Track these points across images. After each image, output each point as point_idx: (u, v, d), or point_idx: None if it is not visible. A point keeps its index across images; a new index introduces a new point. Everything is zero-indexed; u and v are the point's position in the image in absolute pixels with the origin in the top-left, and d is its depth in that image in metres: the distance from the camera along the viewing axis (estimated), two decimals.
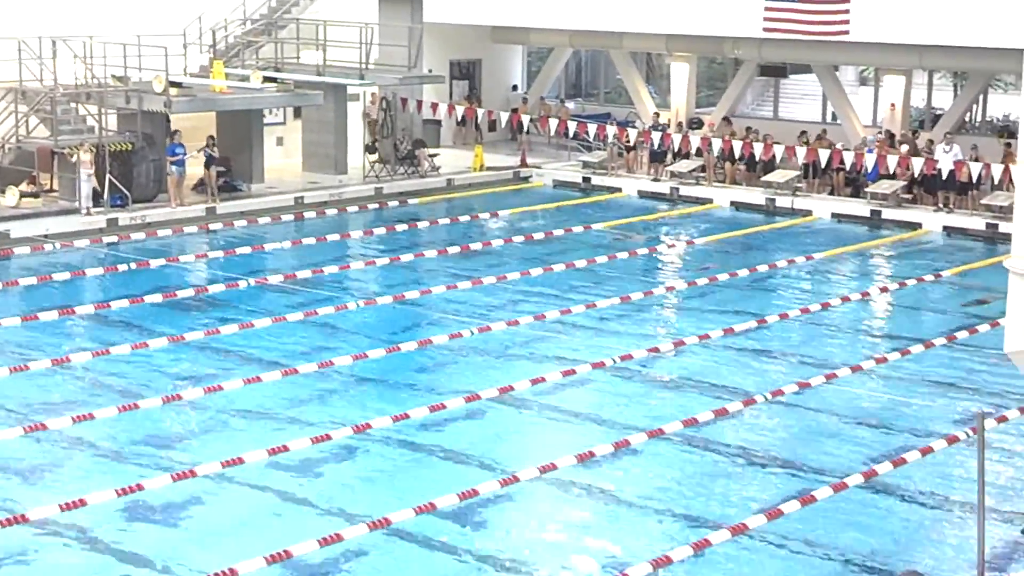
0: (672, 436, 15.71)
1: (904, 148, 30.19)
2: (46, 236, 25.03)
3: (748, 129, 32.72)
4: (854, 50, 31.75)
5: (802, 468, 15.07)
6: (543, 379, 17.50)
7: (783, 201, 30.65)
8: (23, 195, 26.83)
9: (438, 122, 36.07)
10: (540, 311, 20.93)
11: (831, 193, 31.26)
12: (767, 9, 30.44)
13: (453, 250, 25.43)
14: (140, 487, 13.48)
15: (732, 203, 31.24)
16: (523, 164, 34.35)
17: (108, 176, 26.66)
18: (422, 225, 28.10)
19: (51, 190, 27.85)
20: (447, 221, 28.43)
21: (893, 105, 33.45)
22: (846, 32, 29.88)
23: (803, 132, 32.07)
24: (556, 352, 19.14)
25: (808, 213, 30.17)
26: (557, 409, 16.88)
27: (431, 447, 15.41)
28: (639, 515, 13.81)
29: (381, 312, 21.03)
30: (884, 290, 23.70)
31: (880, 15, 29.36)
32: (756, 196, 31.14)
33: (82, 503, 13.03)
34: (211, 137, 28.49)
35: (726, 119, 34.55)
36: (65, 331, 19.72)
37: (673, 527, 13.46)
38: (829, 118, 36.64)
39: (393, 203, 30.47)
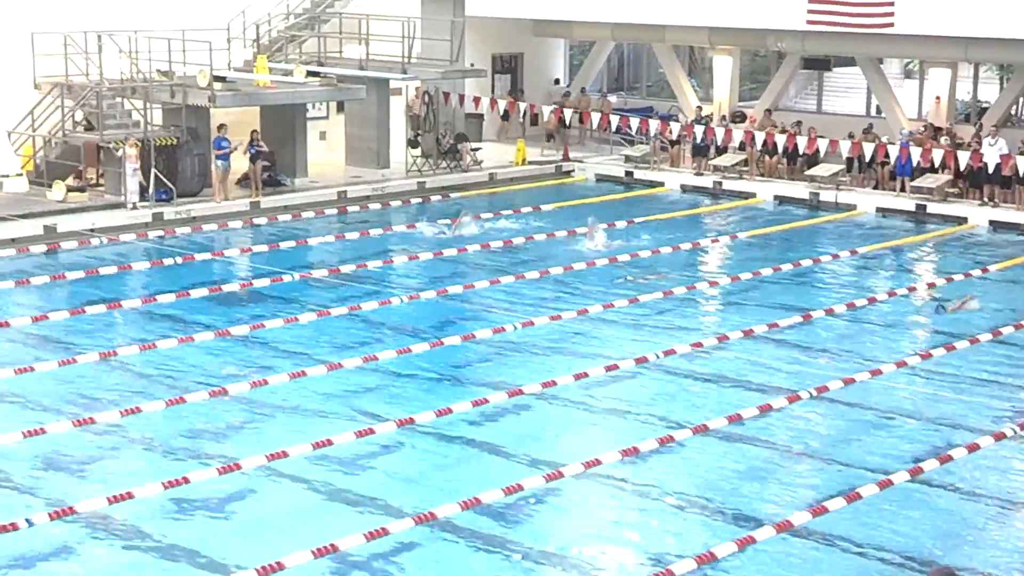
0: (716, 432, 15.68)
1: (944, 140, 29.94)
2: (92, 230, 25.23)
3: (797, 124, 32.45)
4: (899, 43, 31.53)
5: (847, 464, 15.00)
6: (586, 374, 17.51)
7: (827, 195, 30.50)
8: (69, 189, 27.03)
9: (480, 116, 36.10)
10: (583, 306, 20.93)
11: (875, 187, 31.07)
12: (811, 1, 30.30)
13: (496, 245, 25.46)
14: (187, 480, 13.60)
15: (775, 197, 31.10)
16: (565, 158, 34.33)
17: (153, 170, 26.85)
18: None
19: (97, 184, 28.13)
20: (490, 215, 28.41)
21: (938, 98, 33.16)
22: (891, 24, 29.69)
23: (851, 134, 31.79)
24: (599, 347, 19.13)
25: (852, 207, 29.98)
26: (600, 404, 16.88)
27: (475, 441, 15.44)
28: (683, 511, 13.77)
29: (424, 307, 21.07)
30: (931, 285, 23.52)
31: (925, 7, 29.14)
32: (800, 190, 31.00)
33: (130, 496, 13.13)
34: (255, 132, 28.58)
35: (768, 112, 34.37)
36: (112, 325, 19.89)
37: (717, 523, 13.43)
38: (873, 111, 36.37)
39: (436, 197, 30.54)
